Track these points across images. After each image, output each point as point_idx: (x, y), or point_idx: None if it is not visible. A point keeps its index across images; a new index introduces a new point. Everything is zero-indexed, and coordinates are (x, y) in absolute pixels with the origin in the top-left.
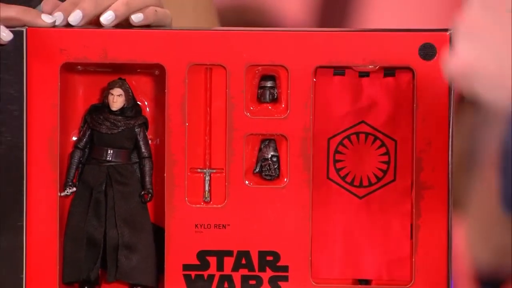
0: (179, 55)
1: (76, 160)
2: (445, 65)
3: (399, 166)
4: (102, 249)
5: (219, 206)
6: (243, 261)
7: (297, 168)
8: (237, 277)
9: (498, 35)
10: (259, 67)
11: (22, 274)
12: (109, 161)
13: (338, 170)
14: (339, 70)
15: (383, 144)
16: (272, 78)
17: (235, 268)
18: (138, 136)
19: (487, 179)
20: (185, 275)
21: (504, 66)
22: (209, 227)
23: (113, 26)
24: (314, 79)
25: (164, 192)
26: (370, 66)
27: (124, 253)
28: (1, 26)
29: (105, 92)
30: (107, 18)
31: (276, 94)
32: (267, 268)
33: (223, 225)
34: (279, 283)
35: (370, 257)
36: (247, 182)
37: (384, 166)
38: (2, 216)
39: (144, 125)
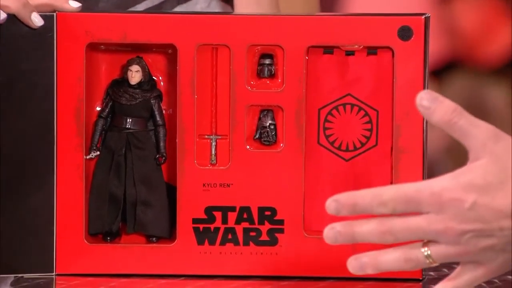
0: (189, 36)
1: (99, 128)
2: (479, 281)
3: (380, 133)
4: (122, 205)
5: (223, 167)
6: (245, 216)
7: (291, 135)
8: (239, 229)
9: (491, 234)
10: (259, 47)
11: (53, 226)
12: (128, 129)
13: (327, 137)
14: (328, 50)
15: (366, 114)
16: (270, 56)
17: (238, 221)
18: (153, 107)
19: None
20: (194, 228)
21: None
22: (215, 186)
23: (131, 11)
24: (307, 57)
25: (176, 156)
26: (355, 46)
27: (142, 209)
28: (34, 13)
29: (125, 69)
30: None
31: (273, 71)
32: (266, 222)
33: (227, 184)
34: (276, 234)
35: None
36: (248, 147)
37: (367, 133)
38: (35, 176)
39: (159, 97)
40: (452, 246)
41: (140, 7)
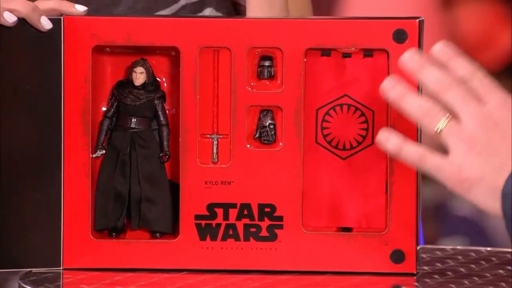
0: (192, 39)
1: (105, 127)
2: (441, 172)
3: (376, 132)
4: (127, 202)
5: (225, 166)
6: (245, 212)
7: (290, 134)
8: (240, 225)
9: (494, 152)
10: (259, 49)
11: (61, 222)
12: (133, 128)
13: (325, 136)
14: (325, 52)
15: (362, 114)
16: (269, 58)
17: (239, 218)
18: (157, 107)
19: None
20: (196, 224)
21: (499, 180)
22: (216, 183)
23: (135, 15)
24: (305, 59)
25: (179, 154)
26: (352, 48)
27: (146, 205)
28: (43, 17)
29: (129, 70)
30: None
31: (273, 72)
32: (265, 218)
33: (228, 182)
34: (275, 230)
35: (352, 209)
36: (248, 146)
37: (364, 132)
38: (43, 173)
39: (162, 97)
40: (470, 128)
41: None
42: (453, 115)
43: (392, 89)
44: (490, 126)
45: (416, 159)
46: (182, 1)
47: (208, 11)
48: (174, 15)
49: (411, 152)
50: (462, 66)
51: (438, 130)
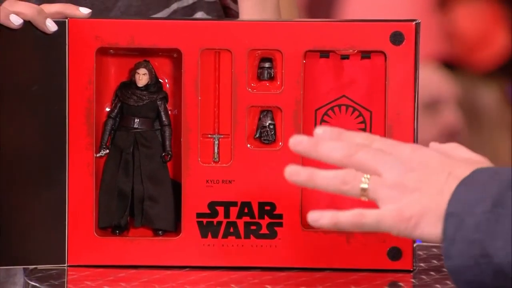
0: (193, 41)
1: (109, 127)
2: (384, 221)
3: (374, 132)
4: (130, 200)
5: (226, 165)
6: (246, 210)
7: (290, 134)
8: (240, 223)
9: (428, 185)
10: (259, 51)
11: (65, 220)
12: (136, 128)
13: None
14: (324, 54)
15: (360, 114)
16: (269, 60)
17: (239, 216)
18: (159, 108)
19: None
20: (198, 222)
21: (442, 205)
22: (217, 182)
23: (138, 17)
24: (304, 61)
25: (181, 154)
26: (350, 50)
27: (148, 204)
28: (48, 19)
29: (133, 72)
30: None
31: (272, 73)
32: (265, 216)
33: (229, 181)
34: (275, 228)
35: (349, 206)
36: (249, 145)
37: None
38: (48, 172)
39: (165, 98)
40: (395, 176)
41: None
42: (371, 173)
43: (297, 174)
44: (414, 167)
45: (356, 220)
46: (174, 6)
47: (199, 15)
48: (167, 19)
49: (347, 218)
50: (356, 135)
51: (363, 190)
